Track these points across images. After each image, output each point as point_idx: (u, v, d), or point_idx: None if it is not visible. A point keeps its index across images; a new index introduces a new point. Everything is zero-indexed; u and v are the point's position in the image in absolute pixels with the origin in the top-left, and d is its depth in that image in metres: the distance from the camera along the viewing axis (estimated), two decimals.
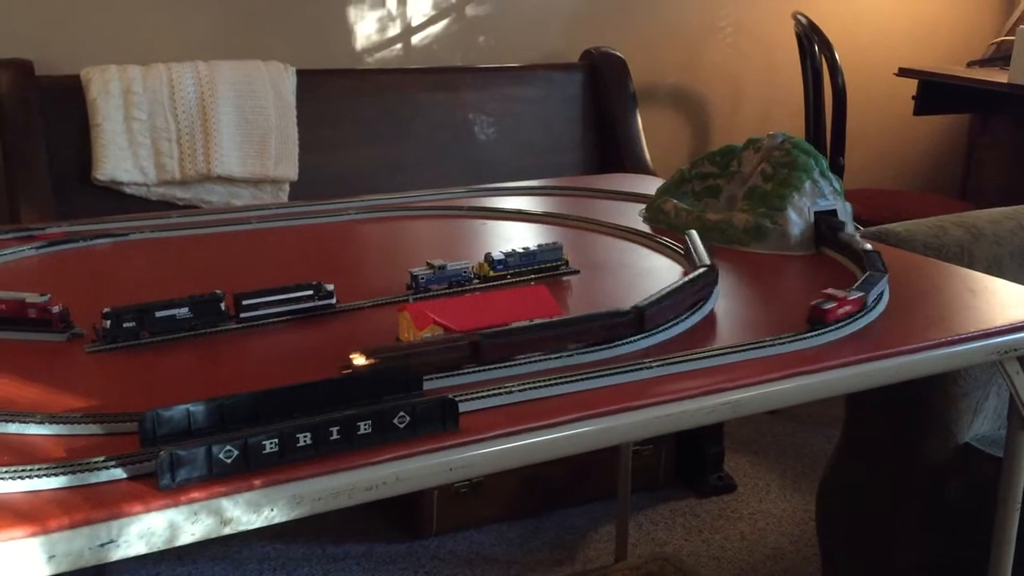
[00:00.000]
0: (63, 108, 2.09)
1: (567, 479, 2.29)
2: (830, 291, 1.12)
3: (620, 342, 1.03)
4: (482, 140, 2.54)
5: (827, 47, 2.71)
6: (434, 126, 2.50)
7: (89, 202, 2.08)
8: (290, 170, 2.29)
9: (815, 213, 1.39)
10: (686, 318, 1.10)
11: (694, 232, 1.31)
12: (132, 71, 2.15)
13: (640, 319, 1.03)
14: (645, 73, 2.84)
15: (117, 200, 2.14)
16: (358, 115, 2.43)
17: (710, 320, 1.13)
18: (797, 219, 1.38)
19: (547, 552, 2.16)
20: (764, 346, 1.04)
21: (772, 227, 1.38)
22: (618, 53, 2.69)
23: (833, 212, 1.40)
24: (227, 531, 0.77)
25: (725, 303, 1.19)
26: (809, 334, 1.06)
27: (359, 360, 0.91)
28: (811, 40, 2.75)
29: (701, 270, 1.17)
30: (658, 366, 0.98)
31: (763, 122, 3.16)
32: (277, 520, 0.79)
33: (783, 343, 1.04)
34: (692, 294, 1.12)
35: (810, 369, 1.01)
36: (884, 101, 3.33)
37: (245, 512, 0.77)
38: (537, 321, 1.00)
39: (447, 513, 2.18)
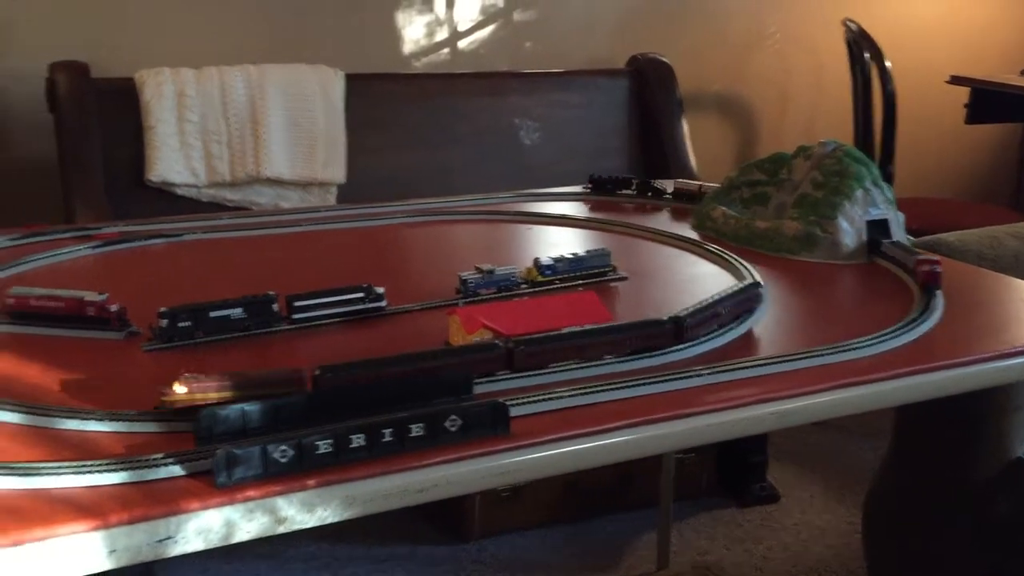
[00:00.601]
0: (118, 110, 2.13)
1: (608, 486, 2.28)
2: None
3: (669, 350, 1.02)
4: (527, 145, 2.55)
5: (877, 54, 2.68)
6: (480, 130, 2.51)
7: (141, 202, 2.12)
8: (338, 173, 2.32)
9: (867, 222, 1.38)
10: (733, 328, 1.10)
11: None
12: (185, 74, 2.18)
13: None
14: (691, 79, 2.83)
15: (168, 201, 2.18)
16: (405, 119, 2.44)
17: (758, 329, 1.13)
18: (848, 228, 1.37)
19: (588, 558, 2.16)
20: (814, 356, 1.03)
21: (822, 236, 1.37)
22: (665, 59, 2.68)
23: (885, 222, 1.39)
24: (281, 530, 0.78)
25: (773, 312, 1.18)
26: (860, 344, 1.05)
27: (178, 390, 0.85)
28: (861, 47, 2.72)
29: (743, 284, 1.16)
30: (708, 374, 0.98)
31: (809, 130, 3.13)
32: (330, 520, 0.80)
33: (833, 353, 1.04)
34: (732, 307, 1.11)
35: (860, 380, 1.00)
36: (935, 109, 3.29)
37: (299, 512, 0.78)
38: (571, 330, 1.00)
39: (490, 517, 2.18)
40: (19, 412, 0.86)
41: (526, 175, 2.50)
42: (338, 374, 0.89)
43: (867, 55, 2.71)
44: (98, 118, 2.10)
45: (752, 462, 2.37)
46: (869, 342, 1.06)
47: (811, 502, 2.39)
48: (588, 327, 1.01)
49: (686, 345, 1.04)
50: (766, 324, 1.14)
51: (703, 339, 1.06)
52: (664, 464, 1.98)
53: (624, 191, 1.73)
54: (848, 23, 2.76)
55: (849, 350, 1.04)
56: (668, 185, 1.73)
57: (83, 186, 2.04)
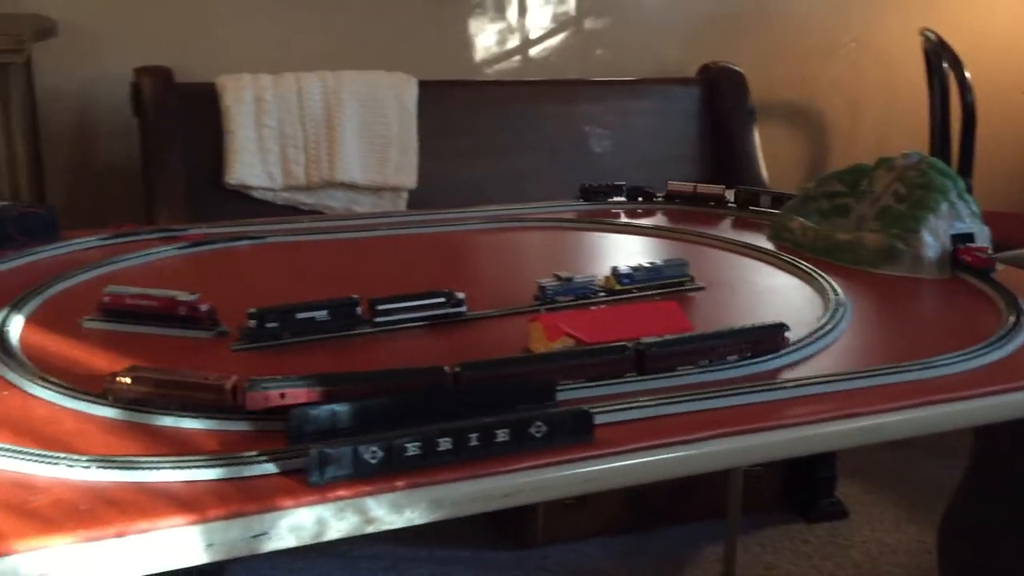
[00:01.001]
0: (199, 114, 2.18)
1: (672, 496, 2.27)
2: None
3: (751, 361, 1.02)
4: (598, 152, 2.55)
5: (956, 64, 2.63)
6: (550, 137, 2.52)
7: (219, 205, 2.17)
8: (409, 178, 2.34)
9: (951, 236, 1.35)
10: (813, 342, 1.08)
11: None
12: (264, 79, 2.23)
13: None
14: (762, 88, 2.80)
15: (245, 203, 2.22)
16: (476, 126, 2.46)
17: (840, 343, 1.11)
18: (932, 242, 1.35)
19: (652, 568, 2.15)
20: (900, 372, 1.02)
21: (905, 249, 1.35)
22: (737, 68, 2.66)
23: (970, 235, 1.36)
24: (370, 530, 0.79)
25: (855, 326, 1.17)
26: (948, 361, 1.04)
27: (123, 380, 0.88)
28: (940, 57, 2.67)
29: (763, 324, 1.07)
30: (791, 387, 0.97)
31: (882, 141, 3.07)
32: (417, 522, 0.81)
33: (920, 369, 1.02)
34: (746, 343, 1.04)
35: (951, 398, 0.99)
36: (1016, 120, 3.21)
37: (388, 512, 0.79)
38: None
39: (553, 524, 2.18)
40: (117, 407, 0.89)
41: (596, 183, 2.49)
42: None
43: (946, 65, 2.66)
44: (180, 122, 2.15)
45: (820, 477, 2.33)
46: (957, 359, 1.04)
47: (881, 519, 2.35)
48: (714, 331, 1.01)
49: (771, 356, 1.03)
50: (848, 338, 1.13)
51: (790, 350, 1.05)
52: (731, 476, 1.97)
53: (615, 198, 1.70)
54: (927, 33, 2.71)
55: (937, 367, 1.03)
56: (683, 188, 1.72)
57: (165, 188, 2.09)
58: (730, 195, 1.71)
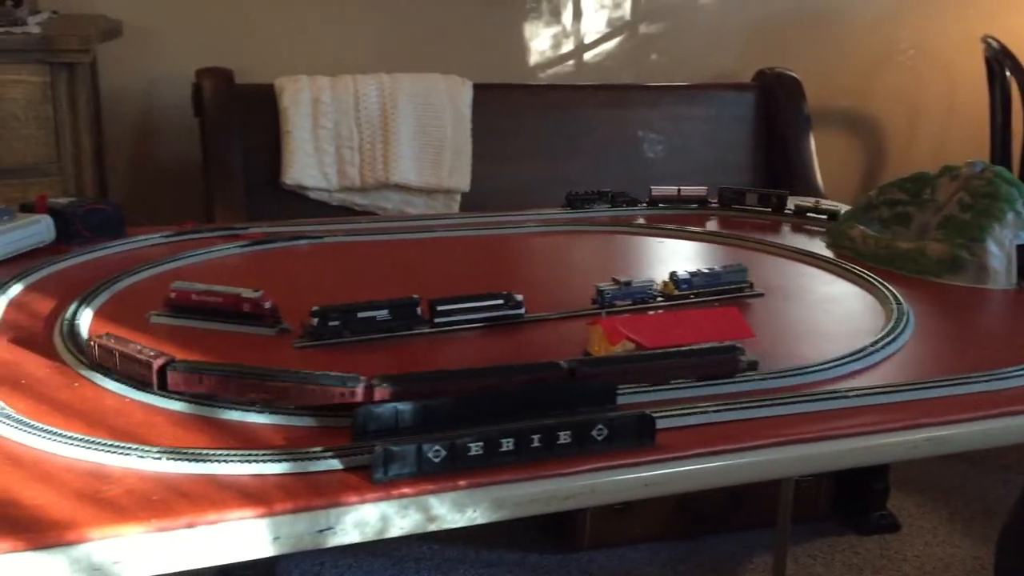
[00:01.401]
0: (258, 115, 2.21)
1: (720, 504, 2.25)
2: None
3: (815, 367, 1.01)
4: (650, 157, 2.54)
5: (1019, 71, 2.58)
6: (603, 142, 2.52)
7: (275, 204, 2.20)
8: (462, 181, 2.35)
9: (1017, 246, 1.33)
10: (876, 351, 1.07)
11: None
12: (321, 81, 2.25)
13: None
14: (819, 95, 2.77)
15: (300, 203, 2.25)
16: (529, 129, 2.47)
17: (902, 353, 1.10)
18: (997, 251, 1.32)
19: None
20: (966, 383, 1.00)
21: (969, 259, 1.33)
22: (793, 74, 2.64)
23: None
24: (432, 528, 0.80)
25: (918, 336, 1.15)
26: (1014, 372, 1.02)
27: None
28: (1002, 65, 2.62)
29: (714, 345, 1.01)
30: (854, 396, 0.96)
31: (940, 150, 3.03)
32: (478, 521, 0.81)
33: (987, 381, 1.00)
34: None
35: (1017, 410, 0.97)
36: None
37: (450, 511, 0.80)
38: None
39: (600, 528, 2.18)
40: (185, 401, 0.90)
41: (648, 188, 2.49)
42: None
43: (1008, 73, 2.61)
44: (239, 122, 2.18)
45: (873, 489, 2.30)
46: None
47: (934, 533, 2.31)
48: (661, 351, 0.98)
49: (832, 364, 1.02)
50: (911, 348, 1.12)
51: (840, 362, 1.03)
52: (782, 486, 1.95)
53: (600, 205, 1.68)
54: (989, 40, 2.66)
55: (1004, 378, 1.01)
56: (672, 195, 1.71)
57: (224, 187, 2.12)
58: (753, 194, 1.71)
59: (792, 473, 0.91)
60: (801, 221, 1.65)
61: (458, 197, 2.37)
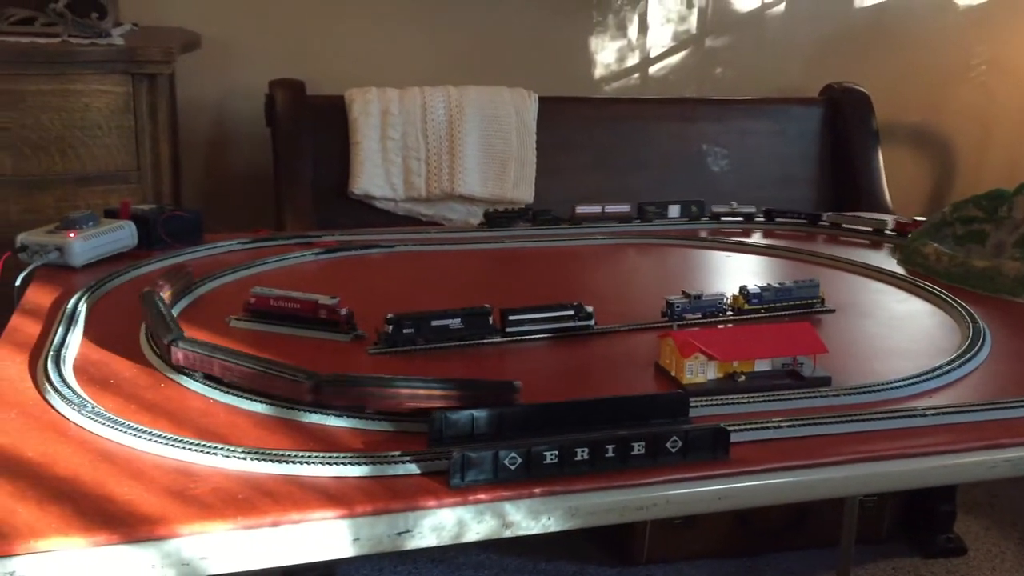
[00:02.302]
0: (328, 126, 2.25)
1: (782, 522, 2.23)
2: None
3: (890, 385, 1.00)
4: (714, 172, 2.53)
5: None
6: (667, 156, 2.52)
7: (343, 213, 2.23)
8: (527, 193, 2.37)
9: None
10: (949, 370, 1.06)
11: None
12: (390, 93, 2.29)
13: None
14: (887, 110, 2.73)
15: (366, 213, 2.29)
16: (593, 142, 2.48)
17: (978, 373, 1.08)
18: None
19: None
20: None
21: None
22: (862, 88, 2.61)
23: None
24: (507, 534, 0.81)
25: (995, 355, 1.13)
26: None
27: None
28: None
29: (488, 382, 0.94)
30: (932, 415, 0.95)
31: (1013, 168, 2.96)
32: (552, 529, 0.82)
33: None
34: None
35: None
36: None
37: (525, 518, 0.81)
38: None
39: (660, 543, 2.17)
40: (266, 403, 0.93)
41: (712, 202, 2.47)
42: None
43: None
44: (310, 133, 2.23)
45: (940, 511, 2.26)
46: None
47: (1002, 559, 2.26)
48: (420, 378, 0.91)
49: (905, 382, 1.01)
50: (987, 368, 1.10)
51: (916, 380, 1.02)
52: (847, 505, 1.92)
53: (522, 221, 1.65)
54: None
55: None
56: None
57: (293, 195, 2.17)
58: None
59: (867, 491, 0.91)
60: (883, 239, 1.64)
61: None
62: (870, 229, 1.67)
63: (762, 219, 1.75)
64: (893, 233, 1.64)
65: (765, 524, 2.21)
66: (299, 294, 1.14)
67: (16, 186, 1.85)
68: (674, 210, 1.72)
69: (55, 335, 1.05)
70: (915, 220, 1.63)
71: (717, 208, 1.76)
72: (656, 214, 1.71)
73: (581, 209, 1.70)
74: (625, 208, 1.71)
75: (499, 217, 1.66)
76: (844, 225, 1.70)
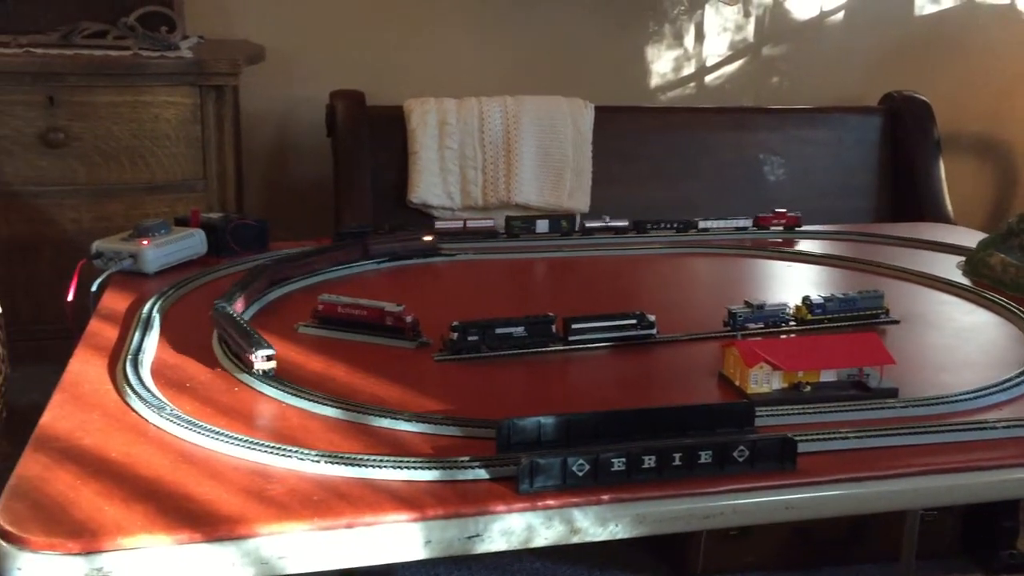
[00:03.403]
0: (387, 136, 2.29)
1: (840, 536, 2.20)
2: None
3: (959, 397, 0.99)
4: (771, 181, 2.52)
5: None
6: (723, 165, 2.51)
7: (401, 222, 2.26)
8: (583, 202, 2.38)
9: None
10: (1019, 383, 1.04)
11: None
12: (448, 103, 2.32)
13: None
14: (949, 120, 2.70)
15: (423, 222, 2.31)
16: (649, 151, 2.48)
17: None
18: None
19: None
20: None
21: None
22: (922, 97, 2.58)
23: None
24: (575, 540, 0.82)
25: None
26: None
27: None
28: None
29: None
30: (1003, 427, 0.94)
31: None
32: (619, 536, 0.83)
33: None
34: None
35: None
36: None
37: (593, 524, 0.82)
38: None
39: (714, 554, 2.15)
40: (338, 408, 0.95)
41: (768, 211, 2.46)
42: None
43: None
44: (370, 143, 2.26)
45: (1002, 527, 2.21)
46: None
47: None
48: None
49: (973, 394, 1.00)
50: None
51: (985, 392, 1.01)
52: (908, 519, 1.89)
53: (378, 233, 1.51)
54: None
55: None
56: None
57: (353, 204, 2.20)
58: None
59: (935, 504, 0.90)
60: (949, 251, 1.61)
61: (577, 218, 2.39)
62: (733, 228, 1.66)
63: (633, 232, 1.67)
64: (756, 228, 1.66)
65: (822, 536, 2.18)
66: (366, 301, 1.16)
67: (88, 194, 1.91)
68: (542, 225, 1.63)
69: (132, 339, 1.08)
70: (777, 212, 1.68)
71: (590, 224, 1.67)
72: (523, 228, 1.61)
73: (440, 224, 1.62)
74: (488, 223, 1.63)
75: (348, 234, 1.49)
76: (713, 228, 1.66)
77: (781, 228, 1.70)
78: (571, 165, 2.37)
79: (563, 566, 2.22)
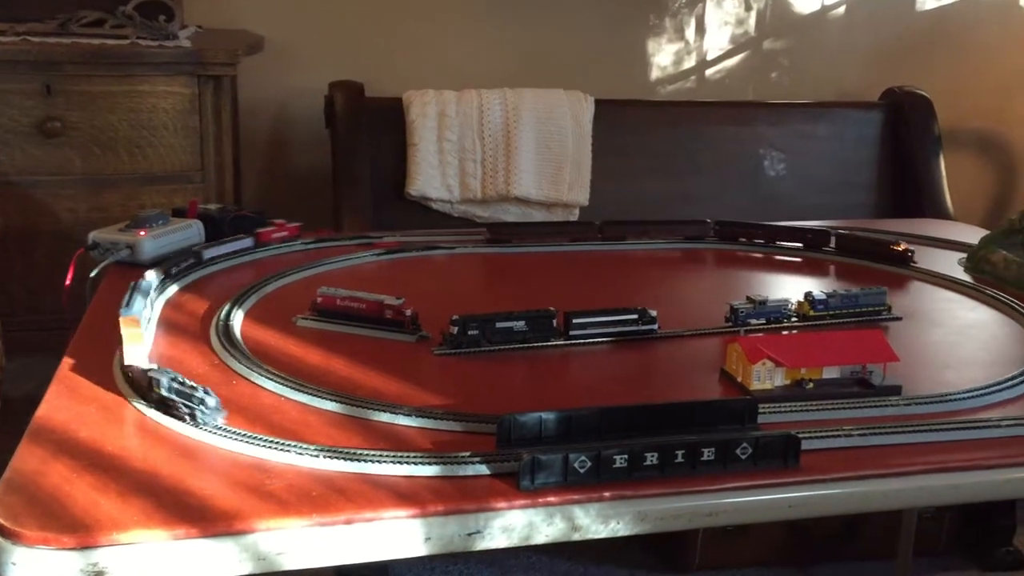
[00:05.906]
0: (386, 127, 2.27)
1: (836, 532, 2.20)
2: None
3: (962, 395, 0.98)
4: (771, 176, 2.51)
5: None
6: (723, 159, 2.50)
7: (399, 214, 2.25)
8: (582, 196, 2.37)
9: None
10: (1019, 383, 1.04)
11: None
12: (447, 95, 2.30)
13: None
14: (950, 116, 2.69)
15: (423, 214, 2.30)
16: (649, 145, 2.47)
17: None
18: None
19: None
20: None
21: None
22: (923, 93, 2.57)
23: None
24: (575, 537, 0.81)
25: None
26: None
27: None
28: None
29: None
30: (1006, 426, 0.94)
31: None
32: (621, 533, 0.82)
33: None
34: None
35: None
36: None
37: (594, 521, 0.81)
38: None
39: (711, 550, 2.15)
40: (337, 402, 0.94)
41: (768, 206, 2.45)
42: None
43: None
44: (368, 134, 2.25)
45: (999, 525, 2.21)
46: None
47: None
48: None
49: (977, 392, 0.99)
50: None
51: (988, 390, 1.00)
52: (904, 517, 1.89)
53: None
54: None
55: None
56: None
57: (352, 196, 2.19)
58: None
59: (939, 502, 0.89)
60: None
61: (577, 212, 2.38)
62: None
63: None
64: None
65: (819, 533, 2.18)
66: (365, 294, 1.15)
67: (85, 184, 1.90)
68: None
69: None
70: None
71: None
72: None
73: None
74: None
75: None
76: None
77: None
78: (571, 158, 2.36)
79: (559, 561, 2.22)
